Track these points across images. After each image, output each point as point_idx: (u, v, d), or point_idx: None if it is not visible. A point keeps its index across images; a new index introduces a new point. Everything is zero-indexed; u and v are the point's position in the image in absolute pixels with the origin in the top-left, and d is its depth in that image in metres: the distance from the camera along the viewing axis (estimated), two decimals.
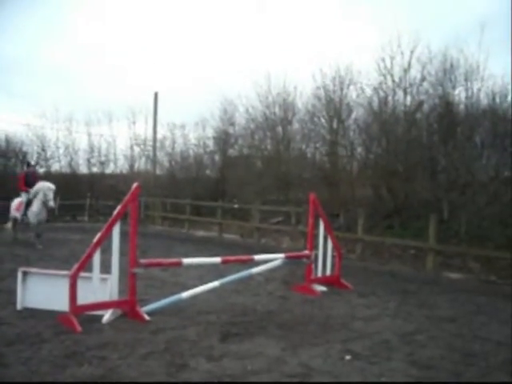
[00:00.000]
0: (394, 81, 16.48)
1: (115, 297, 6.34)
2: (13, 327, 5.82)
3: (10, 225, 14.12)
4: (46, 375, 4.40)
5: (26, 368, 4.57)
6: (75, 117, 28.92)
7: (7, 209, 21.61)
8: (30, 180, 13.34)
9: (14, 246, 13.09)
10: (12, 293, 6.88)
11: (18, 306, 6.61)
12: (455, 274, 10.89)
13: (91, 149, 27.69)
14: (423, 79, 15.99)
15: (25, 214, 13.01)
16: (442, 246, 11.44)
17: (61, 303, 6.05)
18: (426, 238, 11.50)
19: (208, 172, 25.59)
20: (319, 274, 8.68)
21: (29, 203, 12.94)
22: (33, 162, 16.83)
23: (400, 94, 16.52)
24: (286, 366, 4.78)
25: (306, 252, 8.59)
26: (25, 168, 15.20)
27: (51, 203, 12.71)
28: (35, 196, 12.77)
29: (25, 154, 26.98)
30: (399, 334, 6.00)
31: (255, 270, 7.96)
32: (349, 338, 5.74)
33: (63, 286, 6.04)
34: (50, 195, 12.64)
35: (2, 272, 9.10)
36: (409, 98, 16.46)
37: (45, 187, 12.66)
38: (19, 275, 6.66)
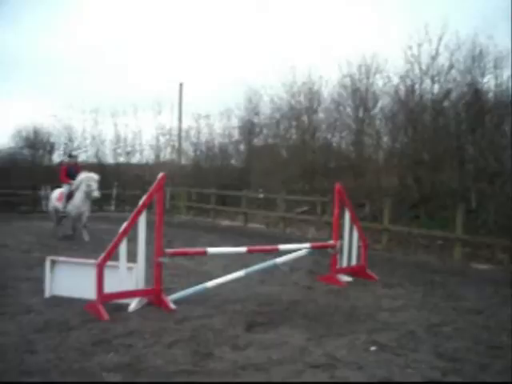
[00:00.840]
0: (421, 69, 16.19)
1: (141, 286, 6.40)
2: (41, 315, 5.93)
3: (52, 216, 13.52)
4: (74, 362, 4.48)
5: (55, 355, 4.65)
6: (101, 108, 29.17)
7: (38, 198, 22.20)
8: (72, 171, 12.98)
9: (41, 236, 13.30)
10: (40, 281, 7.01)
11: (46, 294, 6.73)
12: (483, 265, 10.74)
13: (117, 139, 27.89)
14: (451, 67, 15.68)
15: (65, 206, 12.64)
16: (469, 237, 11.27)
17: (88, 291, 6.14)
18: (453, 228, 11.35)
19: (233, 162, 25.59)
20: (344, 264, 8.64)
21: (70, 195, 12.59)
22: (74, 154, 15.85)
23: (427, 82, 16.24)
24: (310, 356, 4.77)
25: (332, 242, 8.55)
26: (66, 159, 14.57)
27: (95, 193, 12.33)
28: (78, 187, 12.43)
29: (52, 145, 27.37)
30: (425, 325, 5.94)
31: (280, 259, 7.94)
32: (374, 329, 5.71)
33: (90, 275, 6.13)
34: (94, 185, 12.26)
35: (31, 261, 9.27)
36: (436, 86, 16.16)
37: (87, 178, 12.34)
38: (47, 264, 6.77)
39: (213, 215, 19.49)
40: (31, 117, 41.14)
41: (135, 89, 40.69)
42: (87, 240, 12.14)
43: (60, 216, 13.04)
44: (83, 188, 12.27)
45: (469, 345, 5.24)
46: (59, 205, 12.87)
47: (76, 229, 12.66)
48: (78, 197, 12.34)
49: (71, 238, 12.54)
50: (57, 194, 13.20)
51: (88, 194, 12.28)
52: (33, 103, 39.35)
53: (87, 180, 12.27)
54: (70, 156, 14.31)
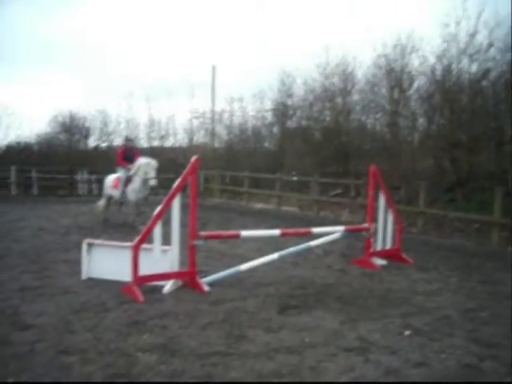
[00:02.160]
0: (458, 47, 15.79)
1: (176, 268, 6.47)
2: (79, 296, 6.06)
3: (102, 202, 12.92)
4: (110, 342, 4.57)
5: (92, 335, 4.76)
6: (135, 92, 29.49)
7: (75, 182, 22.65)
8: (129, 155, 12.42)
9: (78, 219, 13.55)
10: (77, 263, 7.16)
11: (83, 276, 6.87)
12: None
13: (151, 123, 28.18)
14: (490, 45, 15.24)
15: (123, 191, 12.04)
16: (507, 220, 11.01)
17: (124, 274, 6.24)
18: (491, 211, 11.10)
19: (266, 144, 25.56)
20: (379, 247, 8.56)
21: (128, 180, 11.99)
22: (131, 137, 14.80)
23: (465, 61, 15.84)
24: (343, 340, 4.77)
25: (366, 225, 8.48)
26: (122, 142, 13.56)
27: (152, 182, 11.60)
28: (136, 173, 11.76)
29: (88, 130, 27.80)
30: (461, 310, 5.86)
31: (314, 242, 7.92)
32: (408, 313, 5.65)
33: (126, 257, 6.22)
34: (152, 173, 11.59)
35: (68, 244, 9.46)
36: (474, 66, 15.76)
37: (146, 164, 11.67)
38: (84, 246, 6.91)
39: (246, 198, 19.53)
40: (67, 102, 41.90)
41: (168, 73, 40.95)
42: (140, 228, 11.19)
43: (119, 202, 12.58)
44: (141, 174, 11.68)
45: (506, 331, 5.14)
46: (115, 191, 12.33)
47: (140, 214, 11.86)
48: (137, 182, 11.75)
49: (135, 228, 11.19)
50: (111, 180, 12.64)
51: (145, 182, 11.67)
52: (68, 89, 39.96)
53: (145, 166, 11.65)
54: (127, 139, 13.48)
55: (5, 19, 39.52)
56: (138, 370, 4.00)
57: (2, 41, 40.08)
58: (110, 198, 12.64)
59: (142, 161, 11.84)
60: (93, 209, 13.33)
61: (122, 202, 12.40)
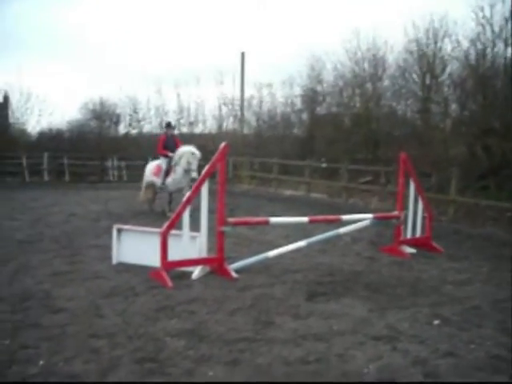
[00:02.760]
0: (493, 31, 15.37)
1: (204, 254, 6.51)
2: (108, 281, 6.15)
3: (143, 191, 12.44)
4: (139, 327, 4.63)
5: (121, 319, 4.83)
6: (165, 78, 29.58)
7: (106, 169, 22.91)
8: (171, 143, 11.93)
9: (108, 204, 13.72)
10: (108, 248, 7.26)
11: (113, 261, 6.97)
12: None
13: (180, 110, 28.26)
14: None
15: (163, 181, 11.65)
16: None
17: (153, 259, 6.31)
18: None
19: (295, 131, 25.41)
20: (409, 235, 8.47)
21: (169, 169, 11.60)
22: (173, 123, 13.56)
23: (500, 45, 15.42)
24: (372, 328, 4.74)
25: (396, 213, 8.39)
26: (163, 129, 12.77)
27: (194, 174, 10.88)
28: (177, 163, 11.33)
29: (118, 117, 28.05)
30: (491, 300, 5.76)
31: (342, 230, 7.88)
32: (438, 303, 5.59)
33: (155, 243, 6.28)
34: (194, 164, 11.07)
35: (99, 229, 9.61)
36: (510, 50, 15.33)
37: (188, 153, 11.13)
38: (114, 232, 7.00)
39: (275, 185, 19.52)
40: (97, 89, 42.31)
41: (197, 59, 41.01)
42: (170, 216, 9.93)
43: (157, 191, 12.10)
44: (183, 164, 11.19)
45: None
46: (156, 179, 11.90)
47: (171, 202, 11.69)
48: (179, 171, 11.29)
49: (165, 214, 11.33)
50: (153, 167, 12.24)
51: (186, 172, 11.18)
52: (98, 76, 40.33)
53: (188, 157, 11.10)
54: (168, 126, 12.76)
55: (24, 12, 40.00)
56: (166, 355, 4.05)
57: (40, 33, 40.62)
58: (152, 185, 12.12)
59: (184, 150, 11.37)
60: (137, 197, 12.85)
61: (162, 190, 11.94)
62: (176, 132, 28.77)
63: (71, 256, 7.41)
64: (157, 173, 11.97)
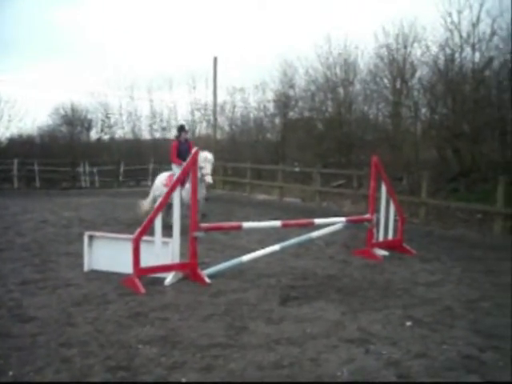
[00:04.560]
0: (461, 36, 15.67)
1: (177, 260, 6.47)
2: (80, 288, 6.07)
3: (148, 202, 11.14)
4: (111, 335, 4.57)
5: (93, 327, 4.76)
6: (137, 83, 29.40)
7: (78, 175, 22.66)
8: (184, 149, 10.48)
9: (80, 211, 13.56)
10: (79, 256, 7.17)
11: (85, 268, 6.88)
12: None
13: (153, 115, 28.17)
14: (493, 34, 15.10)
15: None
16: (510, 210, 10.98)
17: (125, 266, 6.25)
18: (494, 201, 11.08)
19: (268, 135, 25.49)
20: (381, 238, 8.55)
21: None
22: (186, 127, 11.91)
23: (468, 50, 15.72)
24: (344, 331, 4.76)
25: (368, 216, 8.45)
26: (176, 134, 11.35)
27: (208, 178, 9.98)
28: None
29: (90, 122, 27.82)
30: (463, 300, 5.84)
31: (316, 233, 7.90)
32: (410, 304, 5.65)
33: (127, 250, 6.22)
34: (208, 168, 10.01)
35: (70, 236, 9.48)
36: (477, 55, 15.63)
37: (201, 158, 9.70)
38: (85, 239, 6.91)
39: (248, 189, 19.52)
40: (68, 94, 41.88)
41: (170, 64, 40.88)
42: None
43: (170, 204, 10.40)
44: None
45: (508, 321, 5.12)
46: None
47: (204, 215, 10.38)
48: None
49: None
50: (164, 178, 10.98)
51: (201, 180, 9.69)
52: (70, 81, 39.89)
53: (201, 161, 9.78)
54: (181, 129, 11.13)
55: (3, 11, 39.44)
56: (138, 363, 4.00)
57: (4, 34, 40.01)
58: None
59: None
60: (137, 207, 11.47)
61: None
62: (148, 137, 28.90)
63: (42, 264, 7.29)
64: (169, 184, 10.58)
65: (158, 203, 6.44)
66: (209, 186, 10.08)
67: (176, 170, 10.26)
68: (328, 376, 3.82)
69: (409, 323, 5.01)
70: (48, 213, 13.04)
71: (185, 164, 9.38)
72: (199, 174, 9.24)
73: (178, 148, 10.57)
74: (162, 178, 11.02)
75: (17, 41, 42.69)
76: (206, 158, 10.01)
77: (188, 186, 9.47)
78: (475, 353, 4.29)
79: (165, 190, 9.82)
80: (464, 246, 9.65)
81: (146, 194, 11.85)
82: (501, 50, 15.13)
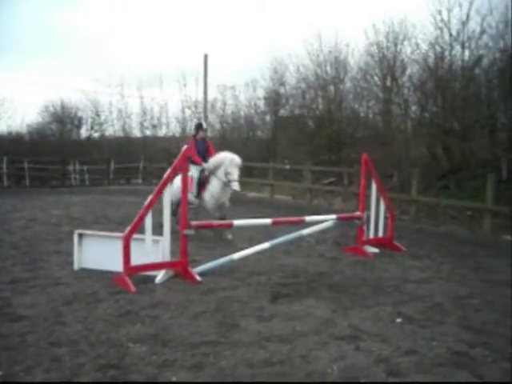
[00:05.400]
0: (451, 34, 15.72)
1: (167, 258, 6.45)
2: (70, 287, 6.04)
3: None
4: (101, 333, 4.55)
5: (83, 326, 4.73)
6: (127, 81, 29.31)
7: (67, 173, 22.52)
8: (202, 148, 9.75)
9: (70, 209, 13.49)
10: (69, 254, 7.14)
11: (75, 267, 6.85)
12: None
13: (144, 112, 28.11)
14: (483, 32, 15.15)
15: (198, 195, 9.51)
16: (499, 208, 11.05)
17: (115, 264, 6.22)
18: (484, 198, 11.14)
19: (259, 133, 25.50)
20: (371, 235, 8.57)
21: (203, 181, 9.45)
22: (204, 125, 10.68)
23: (457, 48, 15.77)
24: (335, 328, 4.77)
25: (358, 213, 8.47)
26: (193, 132, 10.27)
27: (235, 186, 8.98)
28: (214, 172, 9.23)
29: (80, 119, 27.70)
30: (453, 297, 5.87)
31: (306, 231, 7.91)
32: (400, 301, 5.67)
33: (117, 248, 6.19)
34: (235, 174, 8.97)
35: (60, 235, 9.43)
36: (467, 53, 15.69)
37: (227, 161, 9.01)
38: (75, 237, 6.87)
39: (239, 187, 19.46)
40: (58, 91, 41.67)
41: (161, 61, 40.75)
42: (230, 238, 9.15)
43: (192, 208, 9.42)
44: (221, 175, 9.09)
45: (497, 318, 5.16)
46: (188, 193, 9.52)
47: (224, 219, 9.34)
48: (216, 184, 9.19)
49: (224, 236, 9.27)
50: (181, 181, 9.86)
51: (225, 185, 9.08)
52: (60, 78, 39.66)
53: (226, 165, 8.99)
54: (199, 127, 10.06)
55: None
56: (129, 361, 3.99)
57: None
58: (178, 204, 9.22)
59: (221, 156, 9.21)
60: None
61: (198, 207, 9.70)
62: (139, 135, 28.80)
63: (31, 262, 7.24)
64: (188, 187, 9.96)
65: (147, 201, 6.39)
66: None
67: (193, 169, 9.49)
68: (318, 373, 3.83)
69: (399, 320, 5.03)
70: (38, 211, 12.98)
71: (205, 165, 9.28)
72: (225, 179, 8.92)
73: (196, 146, 9.72)
74: (179, 182, 9.53)
75: (4, 39, 42.37)
76: (233, 162, 9.01)
77: (211, 190, 9.18)
78: (465, 349, 4.31)
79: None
80: (454, 242, 9.70)
81: (135, 192, 11.81)
82: (490, 48, 15.20)
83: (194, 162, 9.50)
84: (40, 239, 9.04)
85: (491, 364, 4.03)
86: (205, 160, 9.55)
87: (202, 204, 9.54)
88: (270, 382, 3.70)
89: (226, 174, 8.93)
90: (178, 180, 9.18)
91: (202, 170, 9.42)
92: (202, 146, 9.79)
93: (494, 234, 10.61)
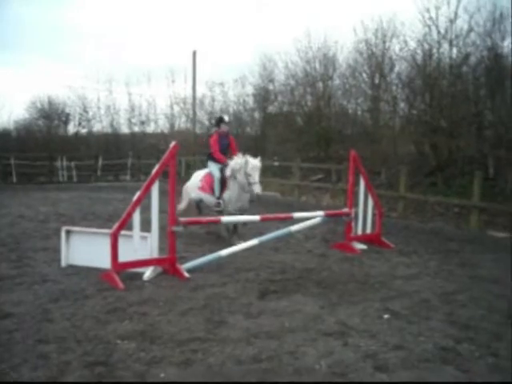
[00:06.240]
0: (439, 32, 15.83)
1: (155, 254, 6.43)
2: (57, 284, 6.00)
3: (182, 207, 9.46)
4: (89, 330, 4.53)
5: (70, 323, 4.71)
6: (115, 77, 29.16)
7: (55, 169, 22.35)
8: (224, 144, 9.05)
9: (58, 206, 13.40)
10: (57, 251, 7.10)
11: (63, 264, 6.81)
12: (500, 232, 10.59)
13: (132, 108, 27.99)
14: (470, 30, 15.29)
15: (219, 196, 8.74)
16: (486, 204, 11.14)
17: (103, 261, 6.19)
18: (470, 195, 11.22)
19: (248, 129, 25.49)
20: (359, 231, 8.60)
21: (224, 183, 8.77)
22: (226, 118, 9.47)
23: (445, 46, 15.90)
24: (323, 324, 4.79)
25: (346, 210, 8.50)
26: (215, 126, 9.70)
27: (257, 188, 8.28)
28: (233, 175, 8.60)
29: (67, 116, 27.51)
30: (439, 293, 5.91)
31: (294, 227, 7.92)
32: (388, 297, 5.70)
33: (105, 244, 6.17)
34: (256, 176, 8.35)
35: (47, 231, 9.37)
36: (455, 51, 15.83)
37: (248, 165, 8.37)
38: (63, 234, 6.83)
39: None
40: (46, 87, 41.37)
41: (149, 57, 40.58)
42: (237, 244, 7.90)
43: (217, 210, 8.85)
44: (240, 179, 8.51)
45: (483, 313, 5.20)
46: (205, 195, 9.05)
47: (237, 226, 8.84)
48: (235, 188, 8.65)
49: (232, 242, 8.25)
50: (198, 179, 9.29)
51: (244, 188, 8.53)
52: (47, 74, 39.36)
53: (247, 168, 8.37)
54: (221, 121, 9.19)
55: None
56: (116, 358, 3.97)
57: None
58: (198, 202, 9.36)
59: (241, 161, 8.53)
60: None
61: (218, 209, 8.84)
62: (127, 131, 28.66)
63: (18, 259, 7.19)
64: (205, 186, 9.03)
65: (135, 197, 6.35)
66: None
67: (212, 167, 8.95)
68: (306, 369, 3.84)
69: (386, 316, 5.06)
70: (25, 208, 12.88)
71: (230, 163, 8.60)
72: (245, 182, 8.41)
73: (219, 141, 8.97)
74: (196, 180, 9.34)
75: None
76: (253, 166, 8.40)
77: (230, 193, 8.61)
78: (451, 344, 4.34)
79: (199, 194, 9.06)
80: (441, 239, 9.76)
81: (124, 188, 11.78)
82: (477, 46, 15.33)
83: (216, 159, 8.91)
84: (27, 236, 8.97)
85: (477, 359, 4.07)
86: (226, 155, 9.01)
87: (222, 206, 8.76)
88: (259, 381, 3.71)
89: (247, 176, 8.39)
90: (194, 177, 9.42)
91: (223, 169, 8.80)
92: (225, 142, 9.06)
93: (480, 231, 10.69)
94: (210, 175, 8.96)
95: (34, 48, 43.85)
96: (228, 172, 8.68)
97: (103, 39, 44.07)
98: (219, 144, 8.95)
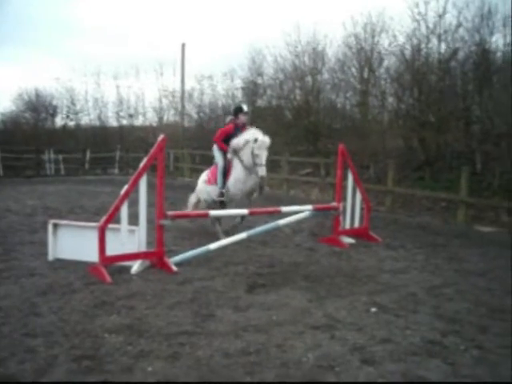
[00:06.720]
0: (427, 27, 15.83)
1: (143, 248, 6.42)
2: (44, 278, 5.97)
3: (192, 201, 9.18)
4: (77, 324, 4.52)
5: (57, 317, 4.69)
6: (103, 70, 28.97)
7: (42, 162, 22.17)
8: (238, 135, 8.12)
9: (45, 199, 13.32)
10: (44, 244, 7.06)
11: (50, 257, 6.77)
12: (487, 227, 10.67)
13: (120, 101, 27.83)
14: (459, 25, 15.30)
15: (223, 185, 8.19)
16: (473, 199, 11.22)
17: (90, 254, 6.17)
18: (458, 190, 11.29)
19: None
20: (347, 226, 8.63)
21: (228, 166, 8.18)
22: (245, 108, 8.66)
23: (434, 41, 15.89)
24: (310, 318, 4.81)
25: (334, 204, 8.52)
26: (231, 115, 8.81)
27: (262, 171, 7.59)
28: (237, 153, 7.93)
29: (55, 108, 27.29)
30: (426, 287, 5.96)
31: (283, 221, 7.93)
32: (375, 291, 5.73)
33: (92, 238, 6.14)
34: (263, 156, 7.59)
35: (35, 225, 9.32)
36: (443, 46, 15.82)
37: (256, 142, 7.59)
38: (50, 227, 6.79)
39: None
40: (33, 80, 41.02)
41: (137, 50, 40.32)
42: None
43: (222, 202, 8.36)
44: (246, 157, 7.77)
45: (470, 307, 5.25)
46: (210, 188, 8.54)
47: (243, 218, 8.36)
48: (239, 168, 7.95)
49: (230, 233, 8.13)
50: (205, 174, 9.02)
51: (251, 169, 7.76)
52: (34, 66, 39.02)
53: (254, 145, 7.59)
54: (240, 110, 8.47)
55: None
56: (104, 352, 3.97)
57: None
58: (208, 199, 8.72)
59: (244, 137, 7.83)
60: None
61: (224, 201, 8.31)
62: (115, 124, 28.51)
63: (5, 253, 7.14)
64: (211, 178, 8.54)
65: (123, 191, 6.32)
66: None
67: (217, 153, 8.40)
68: (294, 362, 3.85)
69: (374, 309, 5.09)
70: (12, 201, 12.79)
71: (231, 146, 7.91)
72: (251, 162, 7.69)
73: (232, 133, 8.20)
74: (203, 175, 9.01)
75: None
76: (262, 144, 7.60)
77: (234, 175, 8.02)
78: (438, 337, 4.38)
79: (208, 187, 8.55)
80: (428, 233, 9.82)
81: (112, 182, 11.71)
82: (466, 41, 15.35)
83: (221, 148, 8.35)
84: (14, 229, 8.91)
85: (463, 352, 4.11)
86: None
87: (227, 196, 8.19)
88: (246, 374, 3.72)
89: (254, 156, 7.56)
90: (202, 175, 9.07)
91: (225, 155, 8.23)
92: (240, 133, 8.14)
93: (467, 225, 10.76)
94: (214, 169, 8.54)
95: (21, 41, 43.39)
96: (234, 145, 7.94)
97: (91, 32, 43.72)
98: (231, 135, 8.20)
